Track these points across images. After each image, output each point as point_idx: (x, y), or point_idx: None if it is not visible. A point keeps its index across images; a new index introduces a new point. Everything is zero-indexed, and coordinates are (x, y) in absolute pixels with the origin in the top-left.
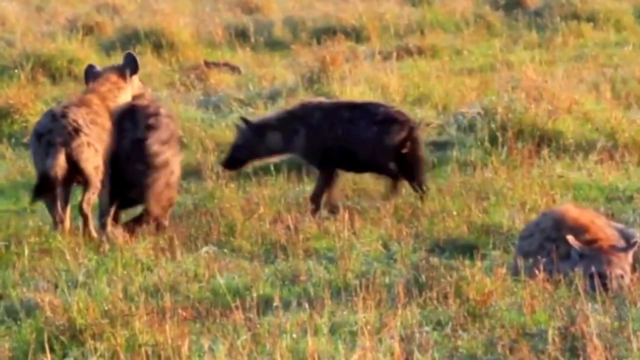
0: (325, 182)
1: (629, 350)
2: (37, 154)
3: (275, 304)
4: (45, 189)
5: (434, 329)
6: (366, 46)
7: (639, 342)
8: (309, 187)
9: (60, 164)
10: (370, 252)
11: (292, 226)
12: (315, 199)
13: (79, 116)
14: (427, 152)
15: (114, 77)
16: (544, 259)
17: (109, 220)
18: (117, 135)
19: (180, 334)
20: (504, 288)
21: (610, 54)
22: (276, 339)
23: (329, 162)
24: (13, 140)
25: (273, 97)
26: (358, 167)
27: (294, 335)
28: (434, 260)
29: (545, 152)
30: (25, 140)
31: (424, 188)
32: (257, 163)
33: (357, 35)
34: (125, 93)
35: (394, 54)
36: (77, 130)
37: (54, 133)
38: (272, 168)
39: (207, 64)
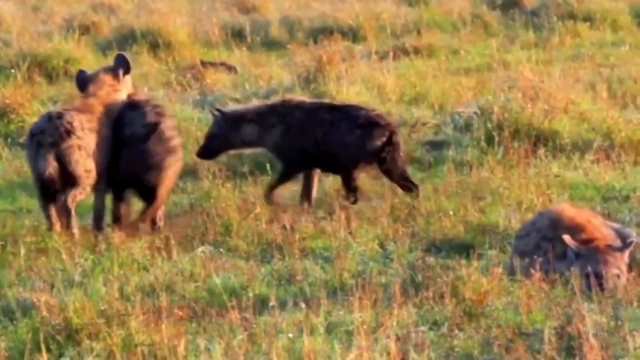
0: (284, 180)
1: (625, 349)
2: (29, 154)
3: (271, 304)
4: (47, 191)
5: (430, 328)
6: (363, 46)
7: (635, 341)
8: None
9: (51, 164)
10: (367, 252)
11: (288, 226)
12: (268, 192)
13: (76, 120)
14: (424, 151)
15: (109, 80)
16: (540, 259)
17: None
18: (123, 126)
19: (176, 333)
20: (500, 288)
21: (606, 53)
22: (272, 338)
23: (303, 162)
24: (9, 140)
25: (269, 96)
26: (333, 169)
27: (290, 335)
28: (430, 259)
29: (541, 151)
30: (21, 140)
31: (413, 187)
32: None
33: (353, 35)
34: (121, 94)
35: (391, 54)
36: (68, 132)
37: (45, 133)
38: (268, 167)
39: (203, 63)
